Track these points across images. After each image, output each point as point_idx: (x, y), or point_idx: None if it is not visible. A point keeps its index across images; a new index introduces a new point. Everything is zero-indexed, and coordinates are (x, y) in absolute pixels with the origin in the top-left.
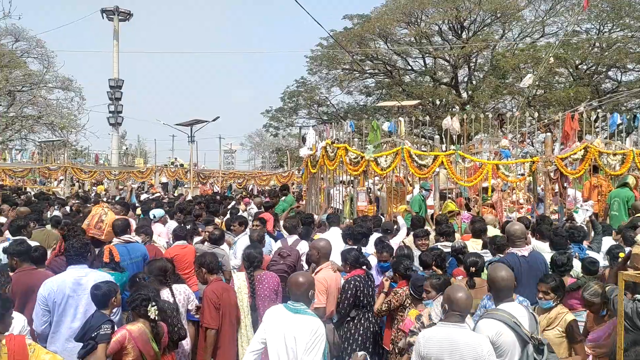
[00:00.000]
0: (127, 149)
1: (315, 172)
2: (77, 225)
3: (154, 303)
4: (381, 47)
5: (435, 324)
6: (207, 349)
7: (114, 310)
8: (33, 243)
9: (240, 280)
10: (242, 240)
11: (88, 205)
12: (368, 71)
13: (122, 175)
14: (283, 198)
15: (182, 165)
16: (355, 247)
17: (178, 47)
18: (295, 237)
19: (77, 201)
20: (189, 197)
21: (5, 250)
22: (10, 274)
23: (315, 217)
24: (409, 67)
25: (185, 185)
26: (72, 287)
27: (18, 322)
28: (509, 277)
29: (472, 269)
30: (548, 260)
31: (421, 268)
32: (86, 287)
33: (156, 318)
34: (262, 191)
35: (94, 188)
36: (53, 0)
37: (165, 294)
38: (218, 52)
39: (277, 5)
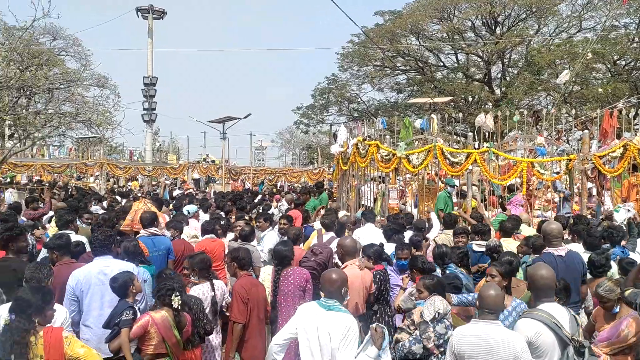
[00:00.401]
0: (160, 145)
1: (347, 169)
2: (111, 220)
3: (177, 293)
4: (413, 43)
5: (427, 322)
6: (233, 342)
7: (138, 298)
8: (77, 238)
9: (265, 274)
10: (269, 236)
11: (122, 200)
12: (399, 68)
13: (156, 172)
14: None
15: (213, 161)
16: (377, 243)
17: (211, 44)
18: (332, 234)
19: (113, 196)
20: (212, 194)
21: (45, 245)
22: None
23: (342, 213)
24: (441, 64)
25: (217, 181)
26: (98, 277)
27: (60, 314)
28: (549, 276)
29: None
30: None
31: (453, 266)
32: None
33: (179, 307)
34: (292, 188)
35: (129, 184)
36: None
37: (205, 287)
38: (250, 50)
39: (308, 2)
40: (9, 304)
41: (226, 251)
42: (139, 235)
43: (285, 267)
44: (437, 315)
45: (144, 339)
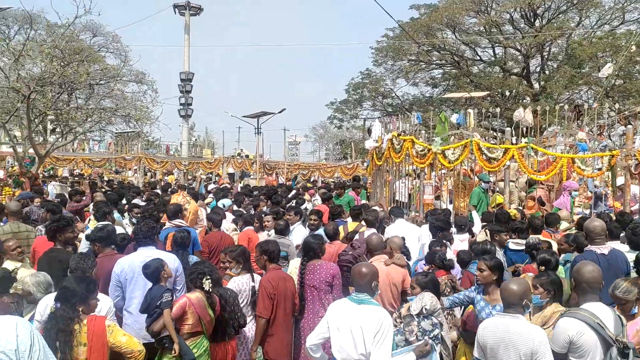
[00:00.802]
0: (195, 140)
1: (381, 165)
2: (155, 213)
3: (208, 277)
4: (449, 37)
5: (412, 316)
6: (256, 337)
7: (177, 286)
8: (121, 230)
9: (292, 267)
10: (298, 230)
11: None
12: (435, 62)
13: (192, 166)
14: (354, 192)
15: (247, 156)
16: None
17: (246, 40)
18: (373, 230)
19: (152, 190)
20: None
21: (87, 237)
22: None
23: (377, 209)
24: (478, 58)
25: (252, 176)
26: (141, 266)
27: (105, 303)
28: (595, 275)
29: (542, 268)
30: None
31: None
32: None
33: (209, 290)
34: (326, 183)
35: (166, 178)
36: None
37: (245, 279)
38: (284, 45)
39: None
40: (55, 294)
41: None
42: (164, 227)
43: (312, 260)
44: (423, 311)
45: (181, 319)
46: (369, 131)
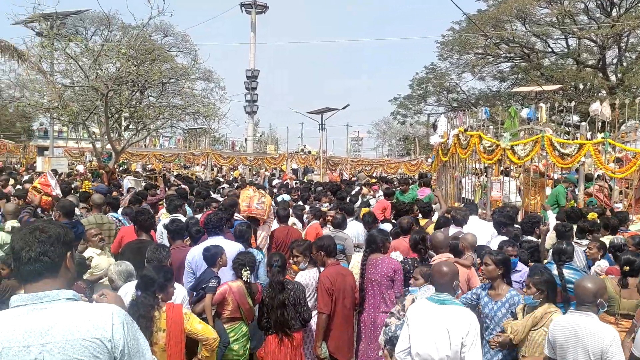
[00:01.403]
0: (260, 136)
1: (447, 161)
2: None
3: (247, 268)
4: (518, 29)
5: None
6: (319, 332)
7: (252, 275)
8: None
9: (354, 261)
10: (351, 225)
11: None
12: (503, 55)
13: (256, 161)
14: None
15: (310, 152)
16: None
17: (310, 36)
18: (459, 229)
19: (220, 185)
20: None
21: (165, 226)
22: None
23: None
24: (550, 50)
25: (315, 172)
26: None
27: (180, 292)
28: None
29: (626, 268)
30: None
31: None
32: None
33: (247, 280)
34: (387, 178)
35: (231, 173)
36: None
37: (312, 272)
38: (348, 40)
39: None
40: (134, 282)
41: None
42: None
43: (374, 254)
44: None
45: (222, 304)
46: (434, 127)
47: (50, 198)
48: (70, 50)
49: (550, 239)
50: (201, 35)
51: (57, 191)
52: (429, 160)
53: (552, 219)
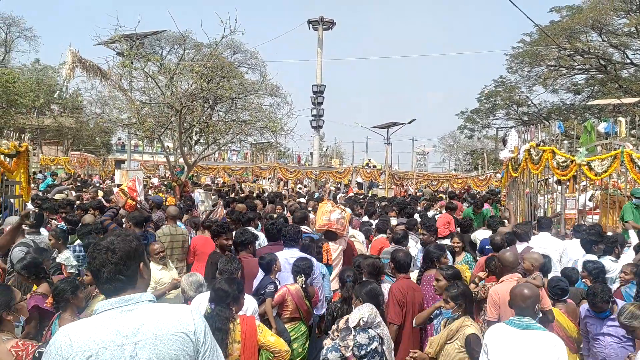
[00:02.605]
0: (326, 150)
1: (517, 176)
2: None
3: (302, 275)
4: (594, 39)
5: (350, 328)
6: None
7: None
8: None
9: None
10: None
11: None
12: (577, 67)
13: (322, 175)
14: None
15: (375, 166)
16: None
17: (376, 51)
18: (525, 244)
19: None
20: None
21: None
22: None
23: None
24: (628, 61)
25: (380, 186)
26: (283, 264)
27: (251, 304)
28: None
29: None
30: None
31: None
32: None
33: (302, 285)
34: (454, 194)
35: (299, 186)
36: (264, 14)
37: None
38: (414, 56)
39: (474, 5)
40: (206, 294)
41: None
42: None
43: (429, 270)
44: (361, 323)
45: (283, 305)
46: (504, 141)
47: (134, 202)
48: (148, 69)
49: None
50: (269, 51)
51: (142, 198)
52: (498, 175)
53: (633, 237)
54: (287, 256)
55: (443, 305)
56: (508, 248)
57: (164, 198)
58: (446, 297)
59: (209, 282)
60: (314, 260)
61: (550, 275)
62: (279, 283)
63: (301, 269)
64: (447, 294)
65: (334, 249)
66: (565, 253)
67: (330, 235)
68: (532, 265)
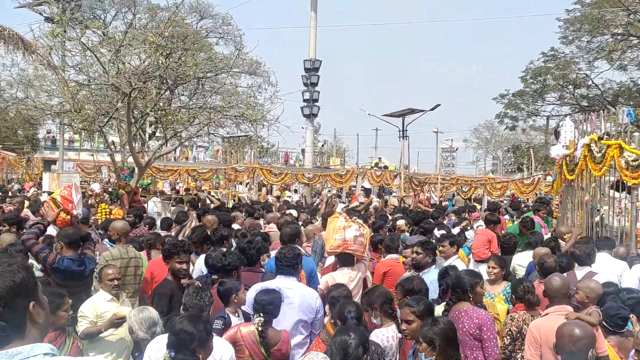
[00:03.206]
0: (323, 146)
1: (573, 179)
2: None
3: (260, 315)
4: None
5: None
6: None
7: (315, 329)
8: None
9: (437, 313)
10: (457, 263)
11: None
12: None
13: (317, 179)
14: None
15: (387, 167)
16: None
17: (386, 16)
18: (588, 269)
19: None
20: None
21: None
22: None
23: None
24: None
25: (394, 193)
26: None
27: (225, 350)
28: None
29: None
30: None
31: None
32: (292, 301)
33: (258, 328)
34: (497, 205)
35: (289, 195)
36: None
37: (390, 332)
38: (435, 22)
39: None
40: (164, 337)
41: None
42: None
43: (458, 304)
44: None
45: (236, 349)
46: (556, 133)
47: (69, 217)
48: (86, 39)
49: None
50: (247, 17)
51: (79, 211)
52: (549, 178)
53: None
54: (283, 286)
55: (417, 346)
56: (557, 273)
57: (105, 211)
58: (419, 338)
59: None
60: (287, 292)
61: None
62: (240, 317)
63: (261, 306)
64: (421, 332)
65: (352, 278)
66: (626, 277)
67: (346, 258)
68: (586, 297)
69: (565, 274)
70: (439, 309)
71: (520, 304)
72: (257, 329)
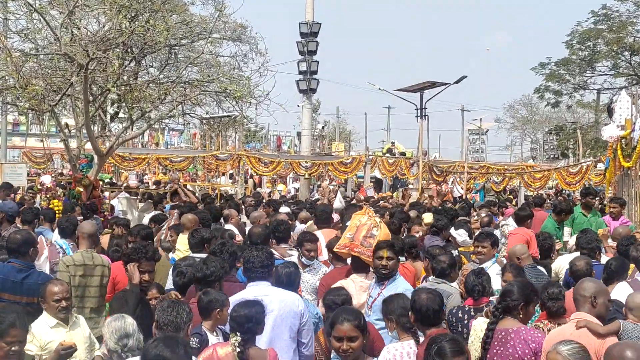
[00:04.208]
0: (323, 128)
1: (631, 167)
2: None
3: (237, 335)
4: None
5: None
6: None
7: (303, 338)
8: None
9: (475, 330)
10: (492, 270)
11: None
12: None
13: (316, 169)
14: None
15: (403, 153)
16: None
17: None
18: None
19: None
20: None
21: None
22: None
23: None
24: None
25: (411, 185)
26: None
27: None
28: None
29: None
30: None
31: None
32: (271, 309)
33: (235, 349)
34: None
35: (279, 189)
36: None
37: (406, 346)
38: None
39: None
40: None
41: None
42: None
43: (505, 320)
44: None
45: None
46: (609, 111)
47: None
48: None
49: None
50: None
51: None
52: (600, 165)
53: None
54: (257, 295)
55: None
56: (588, 277)
57: (58, 209)
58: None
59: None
60: (268, 303)
61: None
62: (218, 336)
63: (237, 324)
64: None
65: (363, 287)
66: None
67: (360, 264)
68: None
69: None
70: (478, 325)
71: (543, 312)
72: (235, 351)
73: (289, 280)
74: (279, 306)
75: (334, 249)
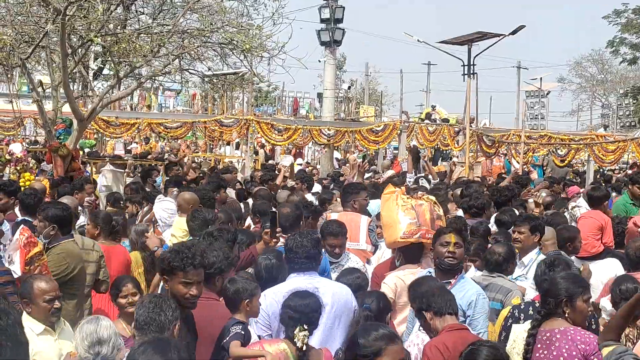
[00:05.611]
0: (349, 88)
1: None
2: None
3: (304, 327)
4: None
5: None
6: None
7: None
8: None
9: (516, 333)
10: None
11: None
12: None
13: (340, 137)
14: None
15: (446, 119)
16: None
17: None
18: None
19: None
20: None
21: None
22: None
23: None
24: None
25: (456, 157)
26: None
27: None
28: None
29: None
30: None
31: None
32: (325, 302)
33: (303, 347)
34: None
35: (298, 161)
36: None
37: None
38: None
39: None
40: None
41: None
42: None
43: (550, 320)
44: None
45: None
46: None
47: None
48: None
49: None
50: None
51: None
52: None
53: None
54: (306, 286)
55: None
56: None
57: (29, 183)
58: None
59: None
60: (321, 295)
61: None
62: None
63: (302, 314)
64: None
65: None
66: None
67: (413, 252)
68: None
69: None
70: (518, 330)
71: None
72: (302, 348)
73: (270, 276)
74: (332, 299)
75: (399, 239)
